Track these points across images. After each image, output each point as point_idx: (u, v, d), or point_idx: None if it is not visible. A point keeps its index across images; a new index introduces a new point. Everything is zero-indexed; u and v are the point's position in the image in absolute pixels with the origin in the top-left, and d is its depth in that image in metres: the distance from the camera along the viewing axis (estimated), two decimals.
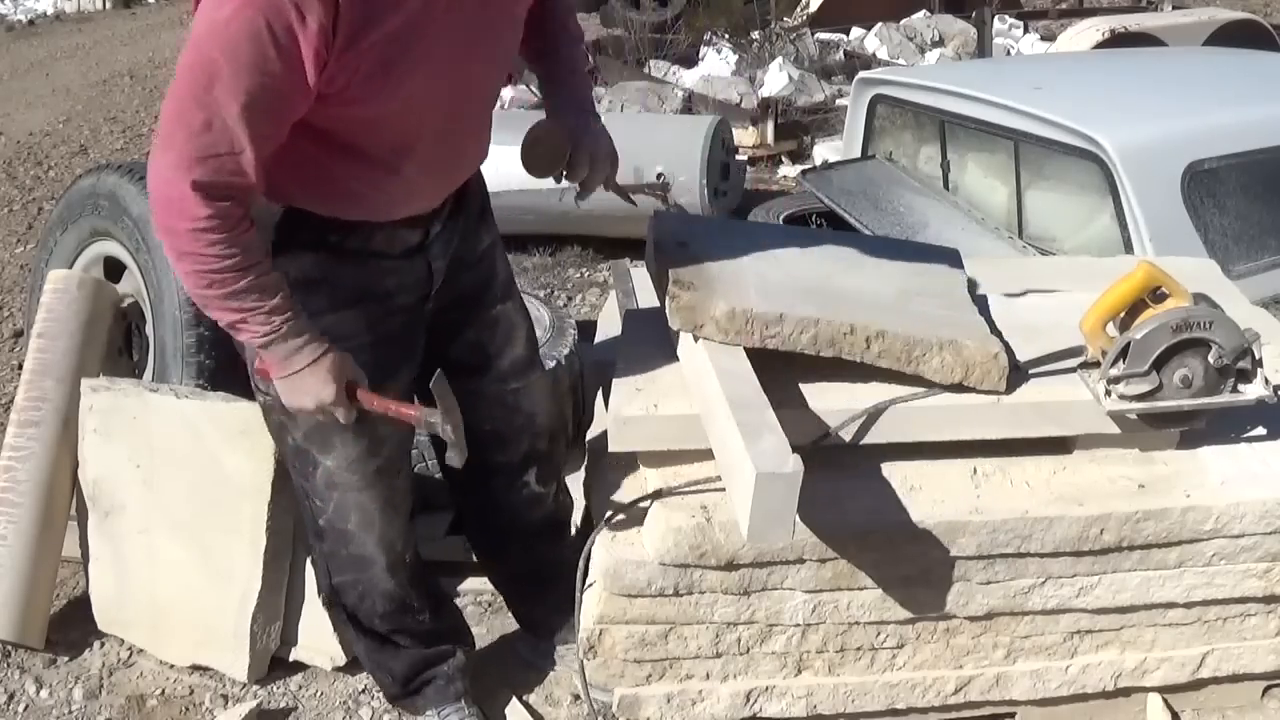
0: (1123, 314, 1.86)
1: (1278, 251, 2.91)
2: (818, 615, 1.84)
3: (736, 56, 6.98)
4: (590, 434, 2.37)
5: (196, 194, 1.40)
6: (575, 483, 2.56)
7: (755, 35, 7.41)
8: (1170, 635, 1.95)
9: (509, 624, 2.35)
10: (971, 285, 2.12)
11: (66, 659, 2.32)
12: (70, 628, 2.38)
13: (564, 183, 1.84)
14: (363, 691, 2.22)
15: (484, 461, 1.98)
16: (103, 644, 2.35)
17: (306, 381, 1.57)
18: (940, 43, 7.77)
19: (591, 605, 1.84)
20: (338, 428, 1.69)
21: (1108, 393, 1.82)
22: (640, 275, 2.26)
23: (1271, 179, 2.95)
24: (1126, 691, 2.00)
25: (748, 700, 1.90)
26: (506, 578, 2.28)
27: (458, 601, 2.44)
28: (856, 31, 7.83)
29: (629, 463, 1.94)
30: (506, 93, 5.82)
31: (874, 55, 7.32)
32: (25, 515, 2.27)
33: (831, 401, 1.82)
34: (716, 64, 6.95)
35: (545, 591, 2.18)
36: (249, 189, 1.45)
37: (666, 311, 1.85)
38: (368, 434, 1.76)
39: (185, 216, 1.42)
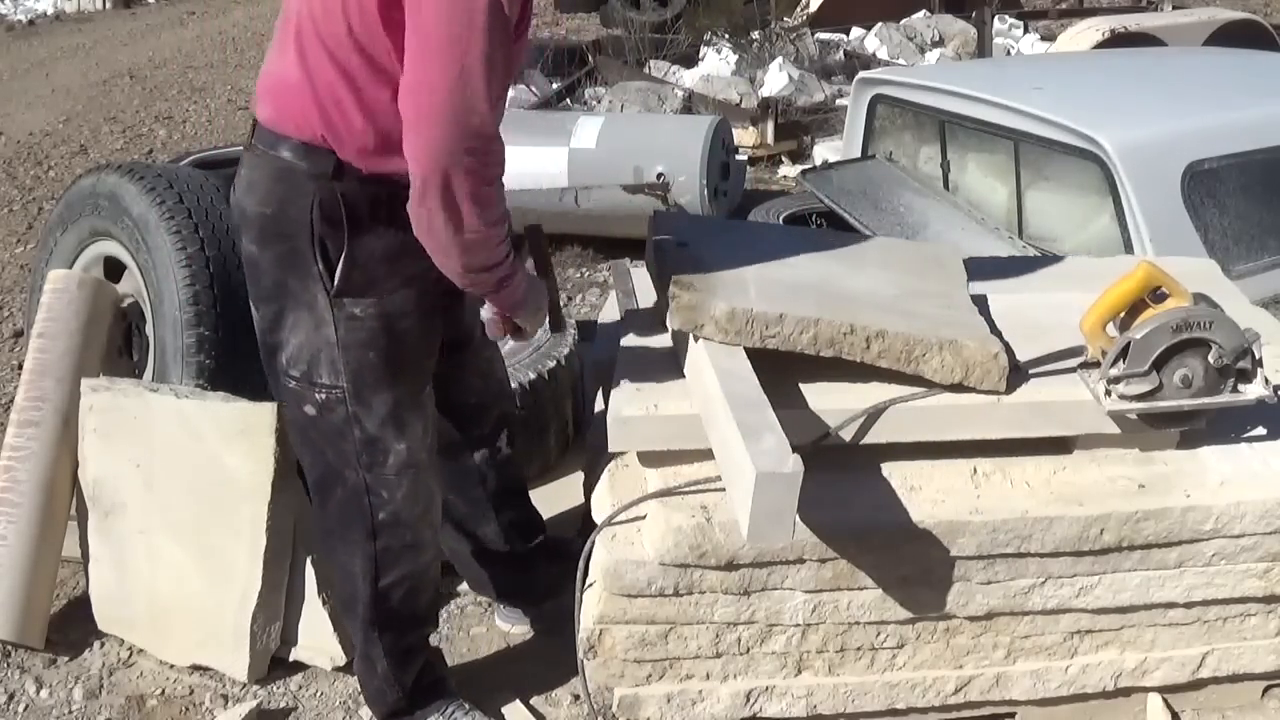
0: (1123, 314, 1.86)
1: (1278, 251, 2.91)
2: (818, 615, 1.84)
3: (736, 56, 6.98)
4: (590, 434, 2.36)
5: (497, 144, 1.56)
6: (575, 483, 2.56)
7: (755, 35, 7.41)
8: (1170, 635, 1.95)
9: None
10: (971, 285, 2.12)
11: (66, 659, 2.32)
12: (70, 628, 2.38)
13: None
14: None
15: (463, 437, 2.09)
16: (103, 644, 2.35)
17: (535, 287, 1.80)
18: (940, 43, 7.77)
19: (591, 605, 1.84)
20: (411, 406, 1.78)
21: (1108, 393, 1.82)
22: (640, 275, 2.26)
23: (1271, 179, 2.95)
24: (1126, 691, 2.00)
25: (748, 700, 1.90)
26: (484, 554, 2.27)
27: (458, 601, 2.45)
28: (856, 31, 7.83)
29: (629, 463, 1.94)
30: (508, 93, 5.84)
31: (874, 55, 7.32)
32: (25, 515, 2.27)
33: (831, 401, 1.82)
34: (716, 64, 6.95)
35: (523, 556, 2.27)
36: None
37: (666, 312, 1.86)
38: (427, 412, 1.83)
39: (495, 179, 1.58)
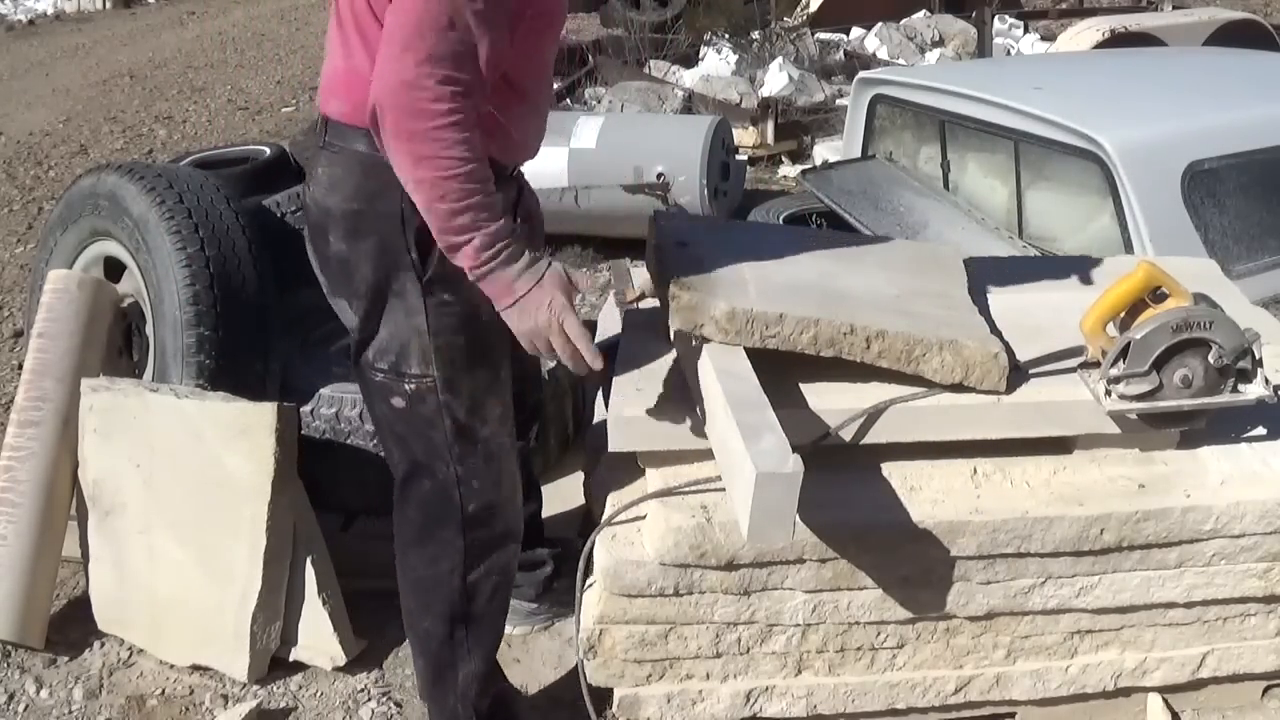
0: (1123, 314, 1.86)
1: (1278, 251, 2.91)
2: (818, 615, 1.84)
3: (736, 56, 6.98)
4: (590, 434, 2.36)
5: (443, 87, 1.46)
6: (575, 483, 2.56)
7: (755, 35, 7.41)
8: (1170, 635, 1.95)
9: None
10: (971, 285, 2.12)
11: (66, 659, 2.32)
12: (70, 628, 2.38)
13: None
14: (361, 691, 2.22)
15: None
16: (103, 644, 2.35)
17: (535, 300, 1.56)
18: (940, 43, 7.77)
19: (591, 605, 1.84)
20: (496, 392, 1.77)
21: (1108, 393, 1.82)
22: (640, 275, 2.26)
23: (1271, 179, 2.95)
24: (1126, 691, 2.00)
25: (748, 700, 1.90)
26: None
27: None
28: (856, 31, 7.83)
29: (629, 463, 1.94)
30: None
31: (874, 55, 7.32)
32: (25, 515, 2.27)
33: (831, 401, 1.82)
34: (716, 64, 6.95)
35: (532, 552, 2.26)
36: (481, 88, 1.52)
37: (667, 311, 1.86)
38: (508, 397, 1.81)
39: (429, 115, 1.46)
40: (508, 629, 2.36)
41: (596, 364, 1.59)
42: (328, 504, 2.43)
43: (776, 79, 6.31)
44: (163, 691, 2.24)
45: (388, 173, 1.59)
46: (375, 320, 1.72)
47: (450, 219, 1.50)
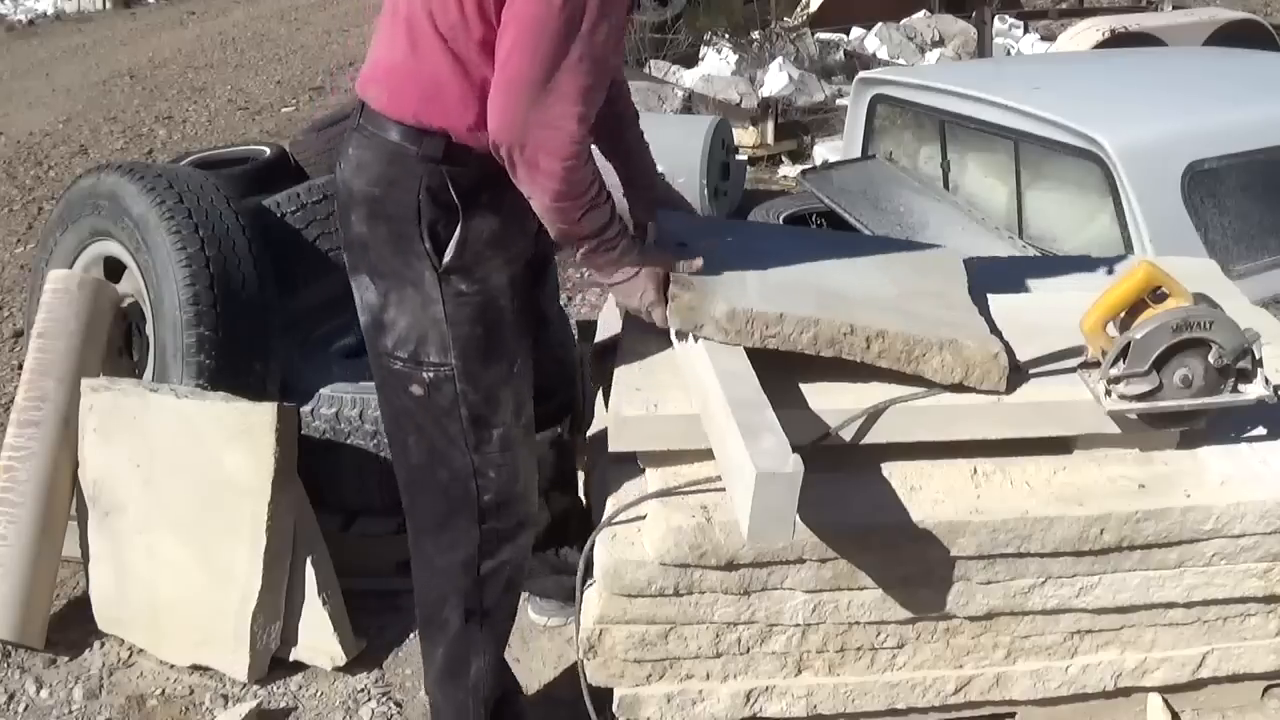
0: (1123, 314, 1.86)
1: (1278, 251, 2.91)
2: (818, 615, 1.84)
3: (736, 56, 6.99)
4: (590, 433, 2.36)
5: (580, 128, 1.59)
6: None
7: (755, 35, 7.42)
8: (1170, 635, 1.95)
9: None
10: (971, 285, 2.12)
11: (66, 659, 2.32)
12: (70, 628, 2.38)
13: None
14: (361, 691, 2.22)
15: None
16: (103, 644, 2.35)
17: (637, 284, 1.81)
18: (940, 43, 7.77)
19: (591, 605, 1.84)
20: (511, 383, 1.81)
21: (1108, 393, 1.82)
22: None
23: (1271, 179, 2.95)
24: (1126, 691, 2.00)
25: (748, 700, 1.90)
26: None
27: None
28: (856, 31, 7.84)
29: (629, 463, 1.94)
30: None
31: (874, 55, 7.32)
32: (25, 515, 2.27)
33: (831, 401, 1.82)
34: (716, 64, 6.95)
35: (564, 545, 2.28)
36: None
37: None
38: (524, 389, 1.85)
39: (570, 155, 1.59)
40: (541, 620, 2.36)
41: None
42: (328, 504, 2.43)
43: (776, 79, 6.31)
44: (163, 691, 2.24)
45: (411, 164, 1.68)
46: (393, 304, 1.75)
47: (586, 220, 1.68)
